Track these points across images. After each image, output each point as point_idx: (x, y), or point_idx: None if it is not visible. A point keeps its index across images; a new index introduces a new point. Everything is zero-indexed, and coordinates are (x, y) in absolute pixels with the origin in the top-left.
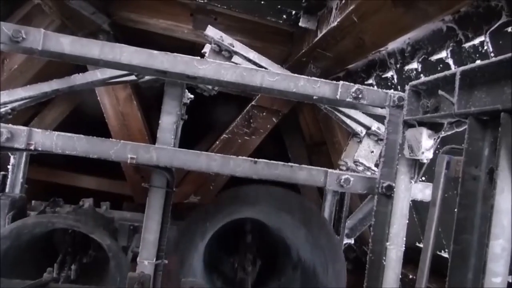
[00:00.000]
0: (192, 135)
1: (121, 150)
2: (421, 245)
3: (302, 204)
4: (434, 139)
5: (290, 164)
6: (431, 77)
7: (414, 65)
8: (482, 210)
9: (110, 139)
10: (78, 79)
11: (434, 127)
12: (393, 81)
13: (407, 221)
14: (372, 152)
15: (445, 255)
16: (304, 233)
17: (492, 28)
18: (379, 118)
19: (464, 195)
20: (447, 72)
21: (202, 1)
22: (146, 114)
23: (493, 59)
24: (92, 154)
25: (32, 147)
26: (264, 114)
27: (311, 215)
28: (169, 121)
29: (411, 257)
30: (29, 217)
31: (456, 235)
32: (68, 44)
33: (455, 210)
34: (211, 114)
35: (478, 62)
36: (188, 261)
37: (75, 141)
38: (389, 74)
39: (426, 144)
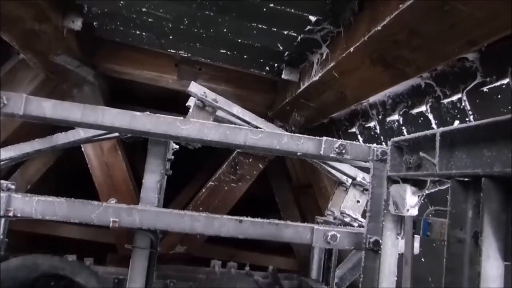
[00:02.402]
0: (178, 179)
1: (103, 213)
2: None
3: None
4: (419, 196)
5: (276, 221)
6: (413, 135)
7: (396, 117)
8: (470, 274)
9: (92, 201)
10: (61, 138)
11: (418, 184)
12: (376, 131)
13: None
14: (358, 202)
15: None
16: None
17: (468, 87)
18: (365, 168)
19: (450, 258)
20: (427, 132)
21: (185, 54)
22: (131, 160)
23: (471, 123)
24: (73, 218)
25: (11, 214)
26: (250, 160)
27: None
28: (153, 180)
29: None
30: (13, 259)
31: None
32: (50, 108)
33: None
34: (197, 158)
35: (457, 123)
36: None
37: (55, 206)
38: (371, 124)
39: (410, 201)
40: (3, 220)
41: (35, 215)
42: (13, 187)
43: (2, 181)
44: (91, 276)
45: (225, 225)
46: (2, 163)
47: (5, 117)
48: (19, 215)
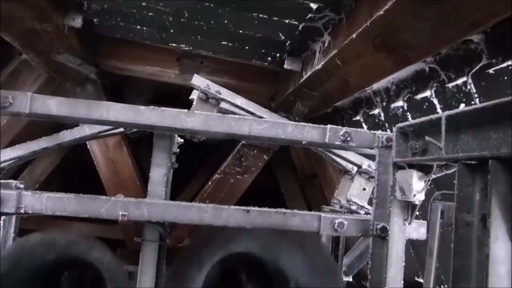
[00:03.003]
0: (183, 173)
1: (112, 207)
2: (420, 280)
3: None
4: (425, 181)
5: (283, 210)
6: (417, 120)
7: (400, 103)
8: (478, 257)
9: (100, 196)
10: (67, 135)
11: (424, 169)
12: (380, 118)
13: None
14: (365, 189)
15: None
16: (301, 258)
17: (474, 70)
18: (371, 155)
19: (458, 242)
20: (432, 116)
21: (187, 48)
22: (136, 156)
23: (477, 105)
24: (82, 213)
25: (22, 211)
26: (255, 152)
27: (307, 236)
28: (159, 173)
29: None
30: (32, 235)
31: (454, 283)
32: (55, 106)
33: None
34: (201, 151)
35: (463, 106)
36: None
37: (65, 202)
38: (376, 111)
39: (417, 187)
40: (14, 217)
41: (45, 211)
42: (22, 186)
43: (11, 181)
44: (106, 251)
45: (233, 215)
46: (10, 161)
47: (11, 116)
48: (30, 211)
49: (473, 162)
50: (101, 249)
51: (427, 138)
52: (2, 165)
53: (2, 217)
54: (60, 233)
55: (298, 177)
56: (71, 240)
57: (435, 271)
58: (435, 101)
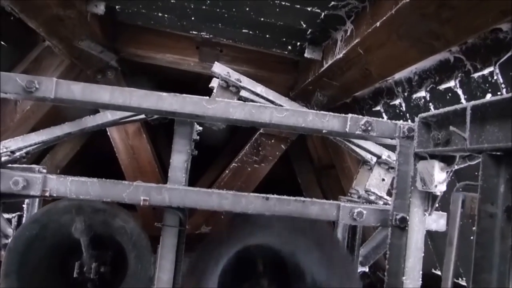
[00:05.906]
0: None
1: (133, 192)
2: (437, 272)
3: (314, 225)
4: (447, 172)
5: (302, 199)
6: (441, 110)
7: (422, 93)
8: (501, 248)
9: (123, 181)
10: (89, 121)
11: (446, 159)
12: (401, 109)
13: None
14: (384, 180)
15: (463, 283)
16: (317, 255)
17: (502, 60)
18: (390, 146)
19: (481, 233)
20: (457, 106)
21: (207, 36)
22: (155, 144)
23: (505, 95)
24: (105, 197)
25: (47, 194)
26: (272, 141)
27: (324, 235)
28: (180, 159)
29: (428, 284)
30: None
31: (475, 274)
32: (79, 91)
33: (472, 238)
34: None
35: (489, 96)
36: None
37: (88, 186)
38: (397, 102)
39: (438, 177)
40: (37, 201)
41: (69, 194)
42: (44, 170)
43: (34, 166)
44: (129, 217)
45: (252, 202)
46: (35, 146)
47: (37, 101)
48: (54, 194)
49: (498, 153)
50: (124, 216)
51: (451, 128)
52: (27, 149)
53: (26, 201)
54: (86, 201)
55: (315, 167)
56: (96, 206)
57: (455, 261)
58: (459, 92)
